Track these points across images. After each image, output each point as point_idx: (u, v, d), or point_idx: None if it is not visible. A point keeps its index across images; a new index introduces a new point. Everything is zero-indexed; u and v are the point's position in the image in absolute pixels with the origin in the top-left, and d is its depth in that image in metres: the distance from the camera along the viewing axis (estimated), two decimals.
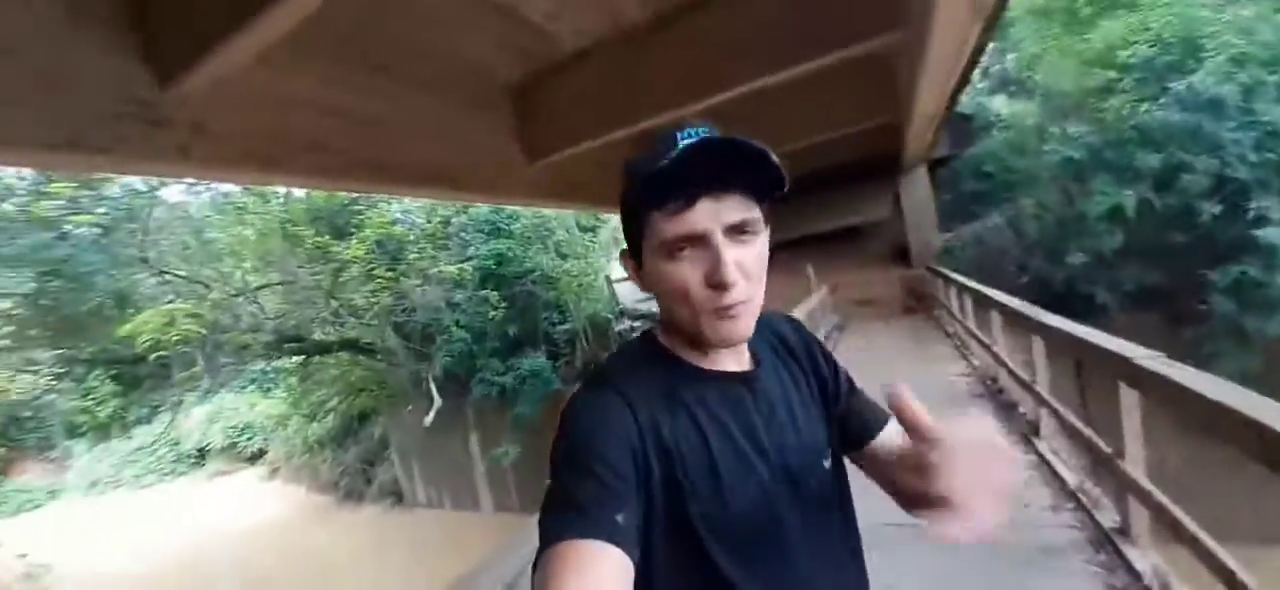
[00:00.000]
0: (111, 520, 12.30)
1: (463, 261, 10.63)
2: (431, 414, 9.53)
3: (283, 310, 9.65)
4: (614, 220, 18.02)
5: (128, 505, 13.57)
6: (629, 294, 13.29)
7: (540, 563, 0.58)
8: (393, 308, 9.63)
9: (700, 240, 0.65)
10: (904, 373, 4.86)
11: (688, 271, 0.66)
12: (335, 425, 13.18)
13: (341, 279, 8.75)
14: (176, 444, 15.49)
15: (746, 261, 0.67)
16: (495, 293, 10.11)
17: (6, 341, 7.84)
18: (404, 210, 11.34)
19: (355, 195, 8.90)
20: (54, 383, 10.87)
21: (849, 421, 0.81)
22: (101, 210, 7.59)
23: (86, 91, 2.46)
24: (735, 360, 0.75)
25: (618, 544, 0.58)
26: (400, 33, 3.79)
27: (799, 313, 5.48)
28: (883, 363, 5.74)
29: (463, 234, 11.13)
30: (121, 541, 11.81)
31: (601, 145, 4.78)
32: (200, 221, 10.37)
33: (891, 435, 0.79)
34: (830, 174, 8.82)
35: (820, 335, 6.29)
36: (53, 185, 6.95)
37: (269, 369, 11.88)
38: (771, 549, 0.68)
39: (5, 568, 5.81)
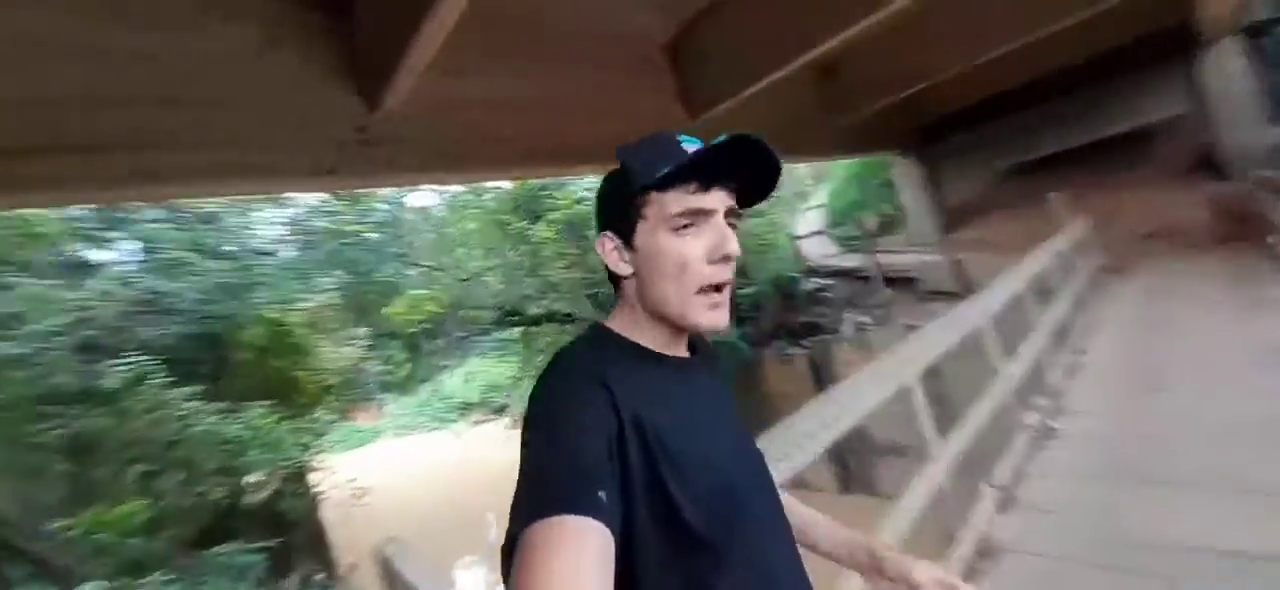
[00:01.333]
0: (409, 455, 15.99)
1: None
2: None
3: (502, 289, 11.25)
4: (800, 173, 16.83)
5: (420, 444, 17.44)
6: (818, 250, 12.32)
7: (523, 541, 0.57)
8: (584, 281, 10.49)
9: (707, 217, 0.73)
10: (1225, 339, 3.49)
11: (692, 244, 0.73)
12: None
13: (539, 258, 9.81)
14: (447, 398, 19.30)
15: (736, 244, 0.74)
16: None
17: (334, 323, 10.83)
18: (589, 188, 12.12)
19: (542, 181, 9.75)
20: (365, 352, 14.70)
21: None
22: (371, 220, 9.84)
23: (326, 126, 3.00)
24: (683, 349, 0.80)
25: (601, 520, 0.58)
26: (551, 17, 3.88)
27: (1042, 257, 4.32)
28: (1190, 323, 4.08)
29: None
30: (415, 470, 15.36)
31: (768, 86, 4.35)
32: (438, 220, 12.59)
33: None
34: (1085, 69, 6.82)
35: (1076, 285, 4.95)
36: (330, 204, 9.16)
37: (500, 339, 13.97)
38: (744, 520, 0.71)
39: (340, 489, 8.06)
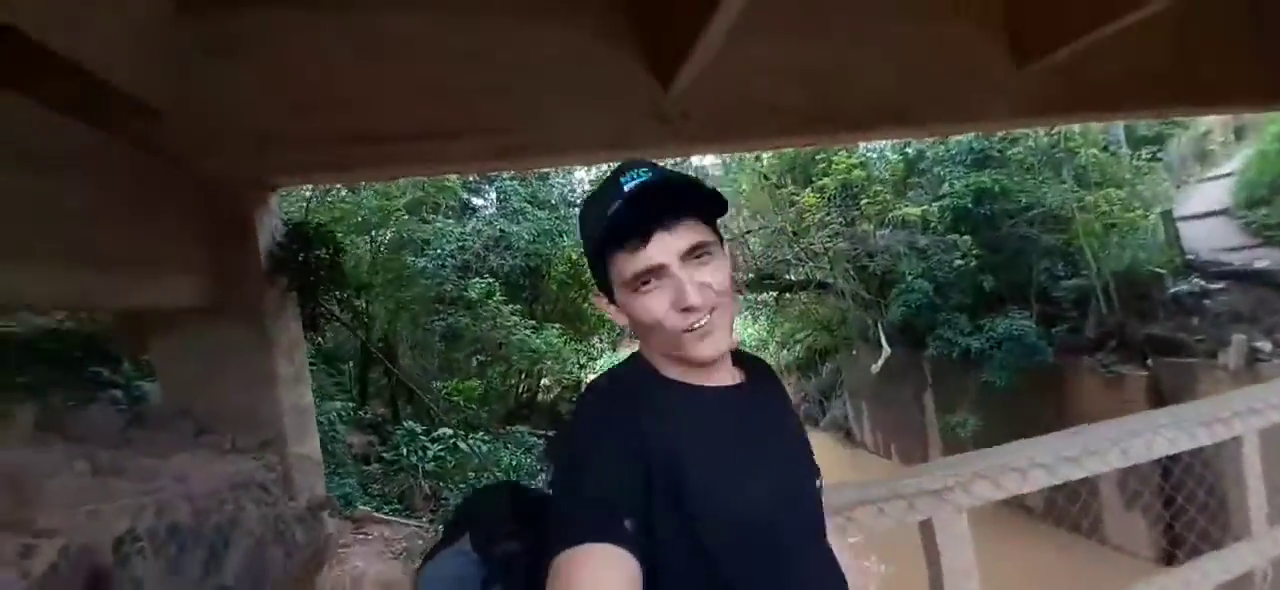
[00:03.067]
0: None
1: (937, 200, 9.47)
2: (878, 363, 9.27)
3: (763, 251, 11.36)
4: (1203, 125, 11.80)
5: None
6: (1212, 238, 8.71)
7: (552, 570, 0.59)
8: (848, 252, 9.76)
9: (661, 271, 0.70)
10: None
11: (656, 301, 0.71)
12: (800, 355, 14.80)
13: (804, 224, 9.51)
14: None
15: (708, 280, 0.71)
16: (968, 236, 8.61)
17: None
18: (876, 151, 11.02)
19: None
20: None
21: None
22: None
23: (626, 101, 3.54)
24: (727, 374, 0.79)
25: (627, 549, 0.60)
26: None
27: None
28: None
29: (937, 169, 9.86)
30: None
31: (1137, 22, 3.22)
32: (713, 179, 13.31)
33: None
34: None
35: None
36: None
37: (753, 300, 14.28)
38: (775, 560, 0.69)
39: None
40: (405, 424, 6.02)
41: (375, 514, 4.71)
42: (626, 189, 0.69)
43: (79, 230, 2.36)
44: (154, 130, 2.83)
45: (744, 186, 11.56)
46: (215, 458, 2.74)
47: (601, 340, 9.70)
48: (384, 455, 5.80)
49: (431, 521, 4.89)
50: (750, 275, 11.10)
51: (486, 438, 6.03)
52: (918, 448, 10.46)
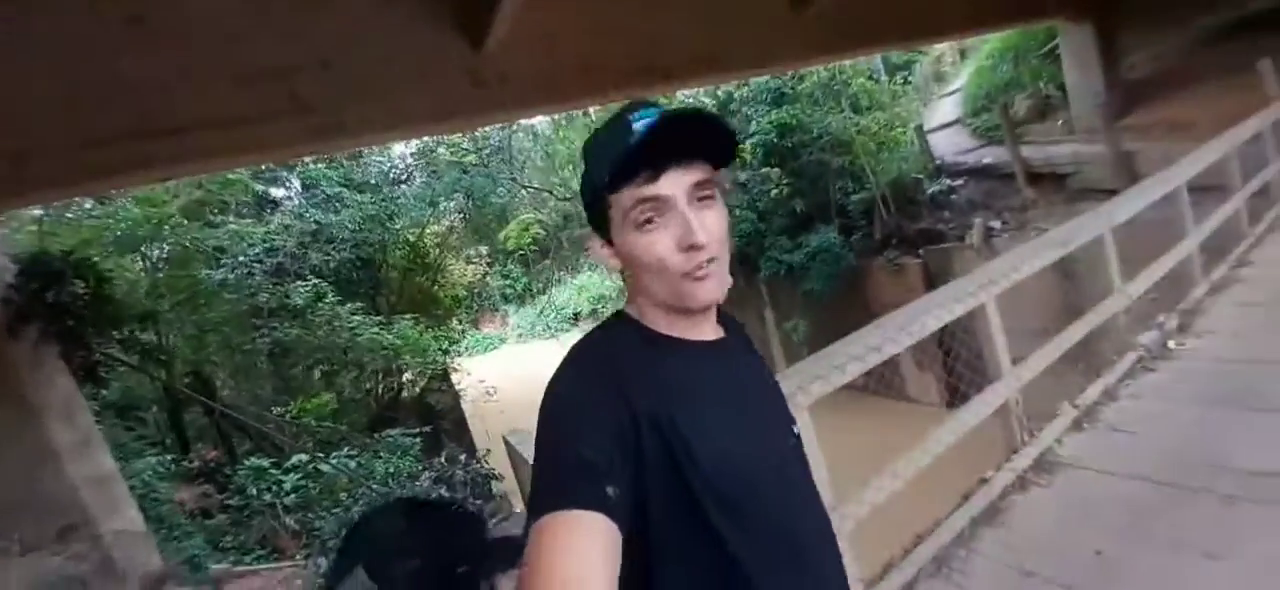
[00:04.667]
0: (529, 361, 17.83)
1: (748, 137, 10.49)
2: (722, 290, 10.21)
3: None
4: (936, 51, 14.54)
5: (538, 351, 19.28)
6: (951, 144, 10.92)
7: (532, 534, 0.59)
8: None
9: (667, 206, 0.68)
10: None
11: (660, 238, 0.68)
12: None
13: None
14: (560, 309, 20.90)
15: (711, 223, 0.69)
16: (777, 168, 9.75)
17: (456, 243, 12.14)
18: (692, 97, 11.70)
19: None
20: (486, 268, 16.33)
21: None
22: (484, 150, 10.53)
23: (442, 69, 3.32)
24: (711, 329, 0.77)
25: (608, 514, 0.59)
26: None
27: (1239, 139, 3.58)
28: None
29: (744, 109, 10.85)
30: (535, 373, 17.14)
31: None
32: (546, 139, 13.08)
33: None
34: None
35: (1267, 178, 4.03)
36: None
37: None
38: (766, 510, 0.70)
39: (474, 388, 9.38)
40: (247, 462, 5.23)
41: (236, 568, 4.12)
42: (639, 124, 0.66)
43: None
44: None
45: (578, 144, 11.58)
46: (4, 566, 2.17)
47: (460, 321, 9.26)
48: (229, 503, 5.02)
49: (307, 556, 4.42)
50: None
51: (351, 452, 5.51)
52: (765, 357, 11.86)
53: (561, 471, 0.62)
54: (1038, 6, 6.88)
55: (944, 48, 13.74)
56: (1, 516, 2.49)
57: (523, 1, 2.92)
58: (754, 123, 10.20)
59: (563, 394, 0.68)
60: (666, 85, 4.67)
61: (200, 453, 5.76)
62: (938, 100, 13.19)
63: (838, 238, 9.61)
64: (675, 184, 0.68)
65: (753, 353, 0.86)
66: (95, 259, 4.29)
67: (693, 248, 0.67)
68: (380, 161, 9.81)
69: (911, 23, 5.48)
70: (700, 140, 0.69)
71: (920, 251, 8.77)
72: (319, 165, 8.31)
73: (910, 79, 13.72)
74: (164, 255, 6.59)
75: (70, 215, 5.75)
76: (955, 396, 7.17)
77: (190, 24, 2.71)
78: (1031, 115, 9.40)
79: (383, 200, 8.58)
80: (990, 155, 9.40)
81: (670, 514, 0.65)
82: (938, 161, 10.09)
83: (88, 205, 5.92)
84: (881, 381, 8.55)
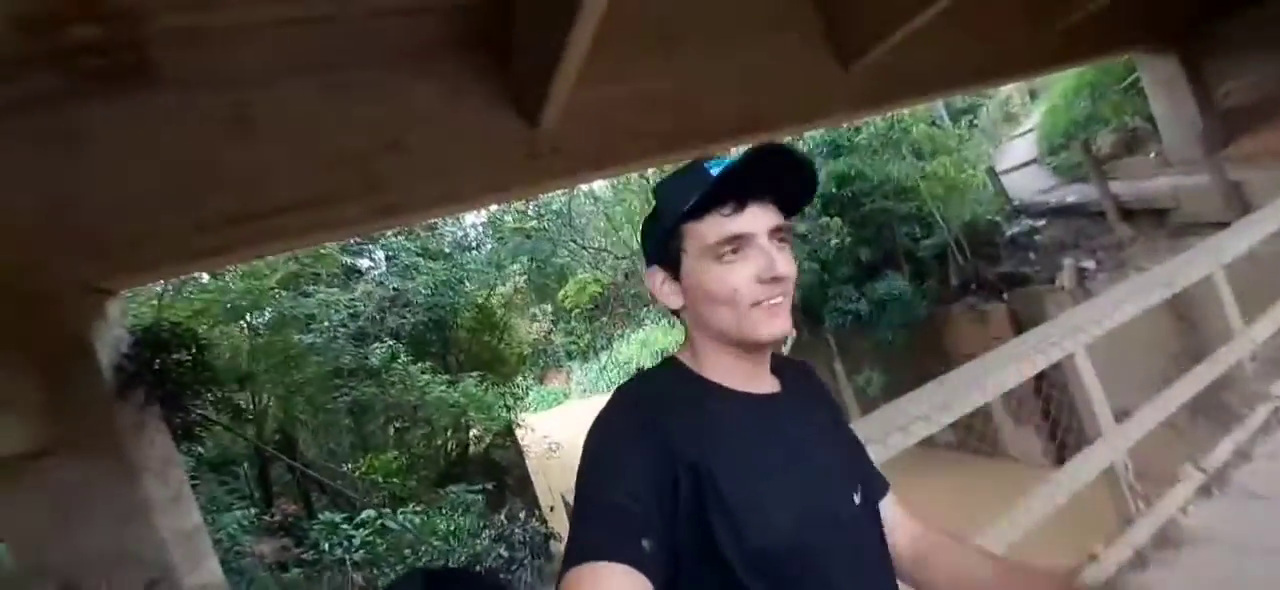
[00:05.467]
0: (592, 415, 17.78)
1: None
2: (788, 344, 9.95)
3: None
4: (1003, 93, 14.02)
5: (600, 405, 19.26)
6: (1028, 184, 10.28)
7: (563, 584, 0.58)
8: None
9: (748, 241, 0.69)
10: None
11: (738, 271, 0.69)
12: None
13: None
14: (623, 364, 20.96)
15: (789, 262, 0.71)
16: (837, 218, 9.51)
17: (521, 303, 12.65)
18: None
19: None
20: (551, 326, 16.77)
21: (867, 463, 0.85)
22: (546, 216, 11.06)
23: (498, 146, 3.54)
24: (767, 382, 0.75)
25: (641, 570, 0.57)
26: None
27: None
28: None
29: None
30: None
31: (935, 16, 3.78)
32: (606, 201, 13.55)
33: (888, 506, 0.83)
34: None
35: None
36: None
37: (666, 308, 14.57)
38: (809, 578, 0.65)
39: (538, 444, 9.44)
40: (321, 516, 5.47)
41: None
42: (715, 167, 0.69)
43: None
44: None
45: (635, 204, 11.92)
46: None
47: (525, 378, 9.47)
48: (304, 557, 5.24)
49: None
50: None
51: (417, 508, 5.64)
52: (842, 410, 11.23)
53: (598, 520, 0.61)
54: (1112, 40, 6.46)
55: (1011, 89, 13.19)
56: (95, 567, 2.69)
57: (572, 83, 3.09)
58: None
59: (604, 437, 0.67)
60: (711, 147, 4.72)
61: (281, 507, 6.09)
62: (1009, 141, 12.58)
63: (908, 285, 9.13)
64: (757, 221, 0.69)
65: (819, 405, 0.81)
66: (203, 327, 4.78)
67: (774, 279, 0.68)
68: (453, 230, 10.48)
69: (972, 69, 5.26)
70: (783, 180, 0.71)
71: (1005, 295, 8.12)
72: (399, 237, 9.00)
73: (976, 122, 13.22)
74: (263, 323, 7.24)
75: (188, 291, 6.48)
76: (1064, 452, 6.44)
77: (285, 117, 3.05)
78: (1117, 150, 8.74)
79: (454, 266, 9.10)
80: (1074, 194, 8.76)
81: (699, 568, 0.62)
82: (1015, 203, 9.50)
83: (204, 279, 6.66)
84: (974, 437, 7.82)
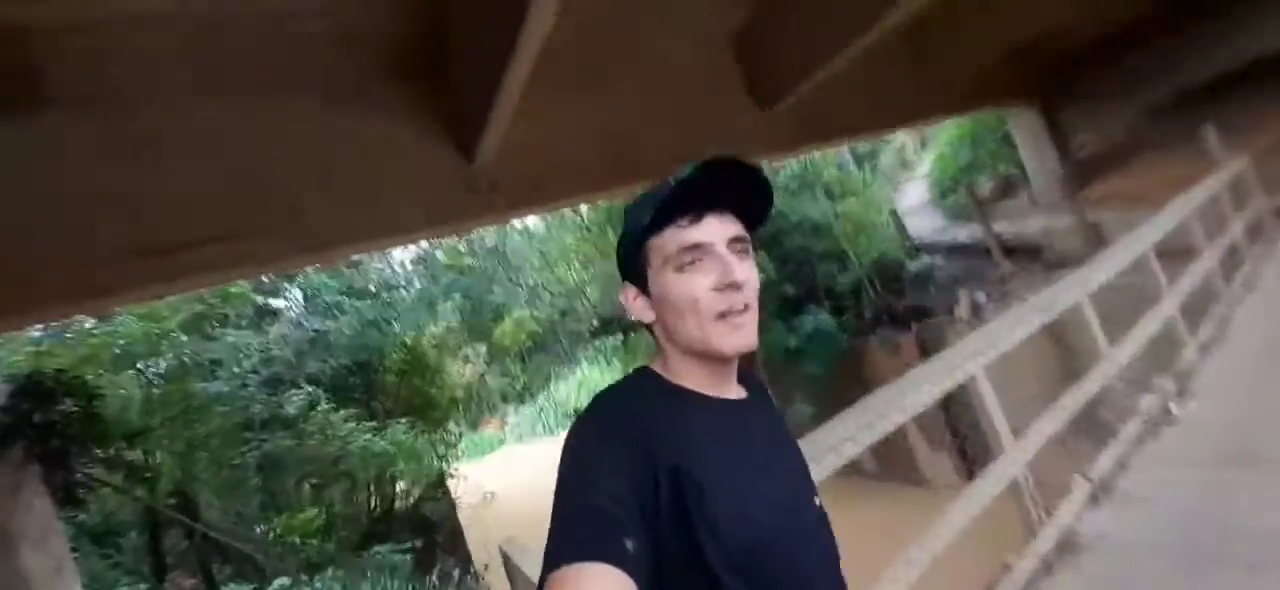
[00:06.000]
0: (528, 461, 17.26)
1: None
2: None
3: (601, 299, 11.82)
4: (898, 141, 15.59)
5: (540, 449, 18.70)
6: (924, 225, 11.40)
7: (546, 585, 0.58)
8: None
9: (707, 250, 0.71)
10: None
11: (698, 281, 0.71)
12: None
13: None
14: (561, 405, 20.52)
15: (748, 271, 0.72)
16: (763, 253, 10.06)
17: (454, 344, 12.27)
18: None
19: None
20: (485, 367, 16.25)
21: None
22: (479, 253, 10.90)
23: (434, 180, 3.50)
24: (734, 388, 0.77)
25: (624, 569, 0.57)
26: (614, 42, 4.07)
27: (1194, 202, 3.75)
28: None
29: None
30: (536, 473, 16.45)
31: (846, 62, 4.21)
32: (541, 237, 13.52)
33: None
34: None
35: (1232, 236, 4.19)
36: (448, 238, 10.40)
37: (603, 346, 14.63)
38: (782, 575, 0.68)
39: (472, 494, 9.03)
40: (226, 588, 4.90)
41: None
42: (679, 177, 0.71)
43: None
44: None
45: (569, 241, 11.99)
46: None
47: (457, 424, 9.07)
48: None
49: None
50: (594, 323, 11.44)
51: (337, 573, 5.19)
52: None
53: (579, 521, 0.61)
54: (982, 95, 7.48)
55: (904, 137, 14.68)
56: None
57: (510, 117, 3.15)
58: None
59: (584, 439, 0.68)
60: (646, 180, 4.91)
61: (176, 581, 5.42)
62: (906, 185, 13.92)
63: (831, 319, 9.75)
64: (714, 231, 0.72)
65: (775, 414, 0.84)
66: (88, 378, 4.27)
67: (731, 286, 0.70)
68: (380, 268, 10.07)
69: (869, 115, 5.91)
70: (738, 193, 0.73)
71: (913, 327, 8.86)
72: (320, 275, 8.51)
73: (876, 167, 14.56)
74: (160, 371, 6.54)
75: (70, 335, 5.77)
76: (973, 472, 7.01)
77: (199, 144, 2.88)
78: (995, 194, 9.98)
79: (382, 305, 8.71)
80: (964, 233, 9.82)
81: (681, 569, 0.63)
82: (915, 241, 10.49)
83: (88, 324, 5.96)
84: (892, 466, 8.35)
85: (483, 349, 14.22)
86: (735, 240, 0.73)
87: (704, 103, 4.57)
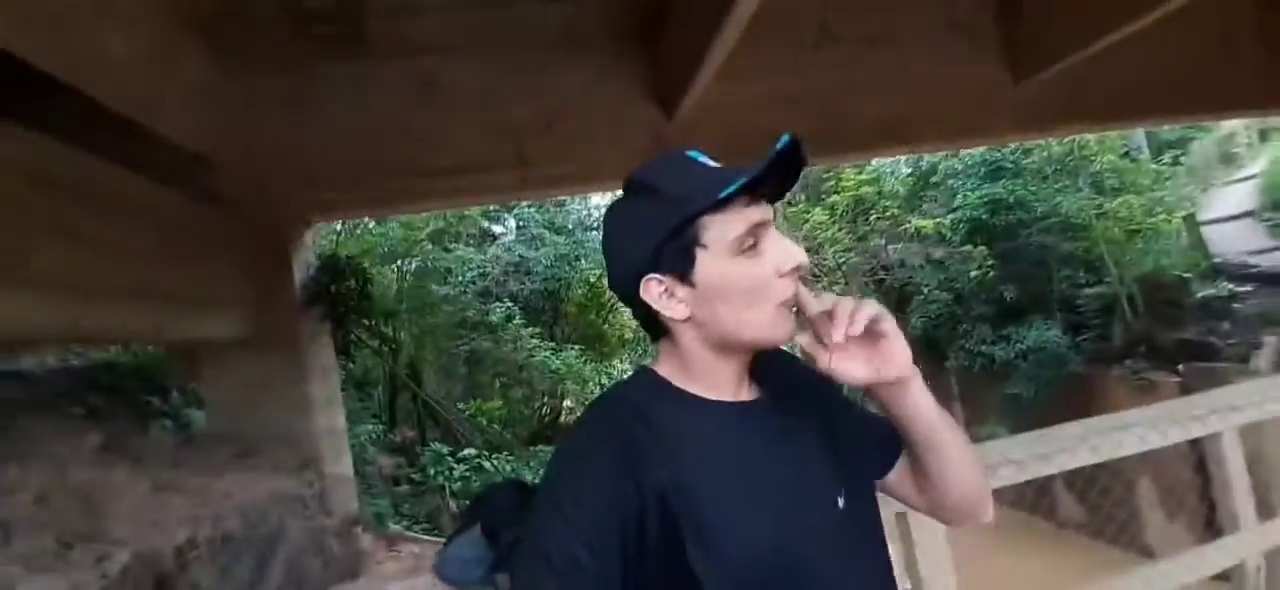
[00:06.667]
0: None
1: (951, 212, 9.52)
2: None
3: None
4: (1225, 130, 11.60)
5: None
6: (1237, 241, 8.53)
7: None
8: (863, 266, 9.82)
9: (765, 230, 0.65)
10: None
11: (760, 265, 0.64)
12: None
13: (816, 241, 9.62)
14: None
15: (800, 249, 0.67)
16: (983, 247, 8.60)
17: None
18: (888, 166, 11.09)
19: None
20: None
21: (863, 443, 0.77)
22: None
23: (631, 134, 3.76)
24: (746, 389, 0.71)
25: None
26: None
27: None
28: None
29: (950, 182, 9.89)
30: None
31: (1135, 32, 3.29)
32: None
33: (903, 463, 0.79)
34: None
35: None
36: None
37: None
38: (795, 583, 0.62)
39: None
40: (432, 446, 6.23)
41: (406, 533, 4.90)
42: (699, 158, 0.68)
43: (141, 271, 2.63)
44: (206, 178, 3.13)
45: None
46: (259, 476, 2.96)
47: (622, 361, 9.86)
48: (413, 477, 6.01)
49: None
50: None
51: (511, 458, 6.20)
52: None
53: (550, 566, 0.58)
54: None
55: (1237, 125, 10.93)
56: (266, 441, 3.35)
57: (712, 78, 3.18)
58: (960, 196, 9.21)
59: (567, 474, 0.65)
60: (856, 155, 4.52)
61: (402, 431, 7.00)
62: (1222, 187, 10.50)
63: (1061, 336, 8.03)
64: (766, 210, 0.66)
65: (800, 399, 0.73)
66: (366, 265, 5.64)
67: (795, 269, 0.64)
68: (579, 209, 11.11)
69: (1183, 95, 4.44)
70: (783, 174, 0.67)
71: (1180, 368, 6.87)
72: (531, 209, 9.76)
73: (1183, 159, 11.15)
74: (411, 269, 8.28)
75: (357, 231, 7.62)
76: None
77: (461, 88, 3.51)
78: None
79: (574, 243, 9.66)
80: None
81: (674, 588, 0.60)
82: (1216, 260, 7.94)
83: (370, 224, 7.79)
84: (1109, 524, 6.76)
85: None
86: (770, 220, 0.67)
87: (935, 69, 3.98)
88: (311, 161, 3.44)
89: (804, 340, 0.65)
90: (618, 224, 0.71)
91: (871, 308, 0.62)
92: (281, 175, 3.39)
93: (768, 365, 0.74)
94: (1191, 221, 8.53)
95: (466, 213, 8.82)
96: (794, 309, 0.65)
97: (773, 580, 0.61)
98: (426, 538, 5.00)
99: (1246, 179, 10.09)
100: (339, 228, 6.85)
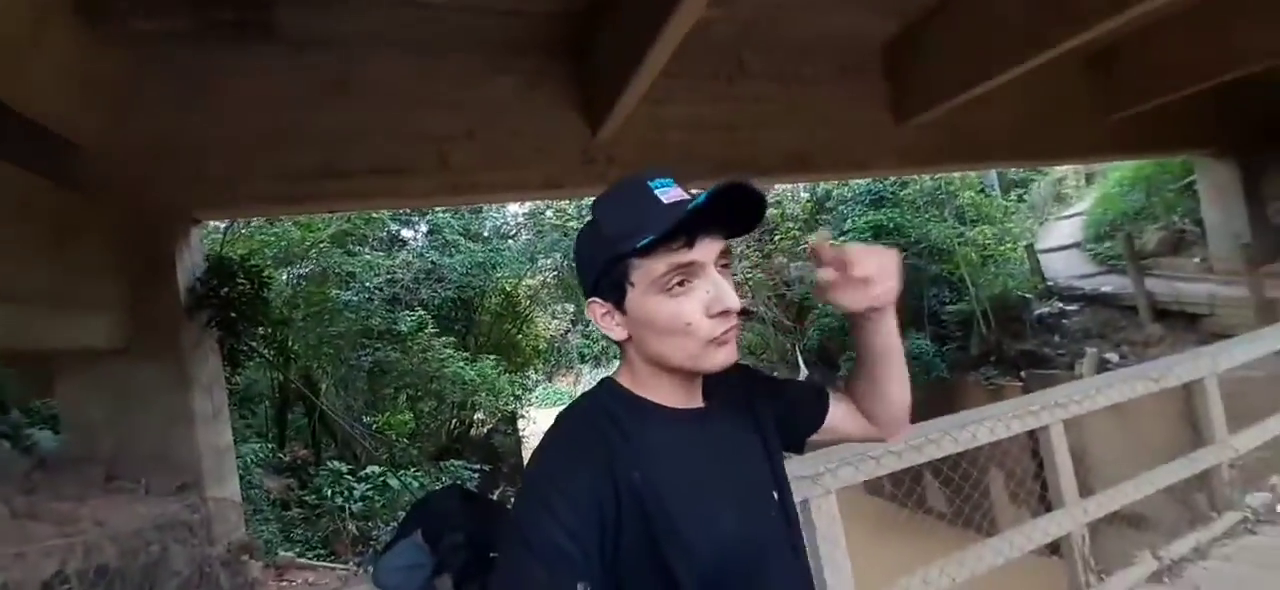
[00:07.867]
0: None
1: (841, 235, 10.50)
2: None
3: None
4: (1058, 173, 13.91)
5: None
6: (1066, 267, 10.22)
7: None
8: (767, 283, 10.53)
9: (699, 270, 0.67)
10: None
11: (688, 304, 0.67)
12: None
13: None
14: None
15: (733, 295, 0.69)
16: None
17: (546, 298, 13.02)
18: (789, 191, 11.98)
19: None
20: (569, 326, 17.14)
21: (798, 409, 0.88)
22: (585, 218, 11.41)
23: (560, 145, 3.84)
24: (697, 399, 0.76)
25: None
26: (764, 29, 4.10)
27: None
28: None
29: (840, 207, 10.93)
30: None
31: (993, 89, 3.98)
32: None
33: (833, 407, 0.90)
34: None
35: None
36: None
37: None
38: (751, 583, 0.69)
39: (536, 437, 9.65)
40: (329, 464, 5.79)
41: (298, 560, 4.53)
42: (660, 190, 0.67)
43: None
44: (73, 165, 2.77)
45: None
46: (133, 500, 2.65)
47: (536, 372, 9.77)
48: (306, 499, 5.55)
49: (359, 565, 4.74)
50: None
51: (418, 474, 5.92)
52: None
53: (535, 560, 0.60)
54: (1176, 139, 6.49)
55: (1068, 169, 13.09)
56: (136, 463, 3.01)
57: (638, 99, 3.36)
58: (849, 221, 10.24)
59: (544, 469, 0.67)
60: (759, 177, 4.92)
61: (293, 449, 6.45)
62: (1055, 221, 12.47)
63: (929, 346, 9.13)
64: (707, 250, 0.67)
65: (739, 405, 0.80)
66: (262, 267, 5.17)
67: (724, 312, 0.66)
68: (495, 217, 10.87)
69: (1030, 143, 5.41)
70: (735, 213, 0.68)
71: (1022, 374, 8.07)
72: (445, 214, 9.41)
73: (1025, 197, 13.12)
74: (306, 273, 7.67)
75: (244, 230, 6.95)
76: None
77: (378, 87, 3.40)
78: (1162, 248, 8.72)
79: (491, 250, 9.45)
80: (1110, 284, 8.72)
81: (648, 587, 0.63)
82: (1049, 282, 9.45)
83: (257, 223, 7.12)
84: (968, 512, 7.76)
85: (571, 308, 14.98)
86: (722, 254, 0.69)
87: (833, 107, 4.48)
88: (204, 154, 3.16)
89: (823, 275, 0.72)
90: (578, 246, 0.76)
91: (874, 256, 0.73)
92: (169, 167, 3.09)
93: (712, 375, 0.77)
94: (1031, 250, 10.12)
95: (374, 215, 8.35)
96: (726, 344, 0.69)
97: (738, 571, 0.67)
98: (321, 564, 4.65)
99: (1075, 215, 12.10)
100: (221, 227, 6.21)
